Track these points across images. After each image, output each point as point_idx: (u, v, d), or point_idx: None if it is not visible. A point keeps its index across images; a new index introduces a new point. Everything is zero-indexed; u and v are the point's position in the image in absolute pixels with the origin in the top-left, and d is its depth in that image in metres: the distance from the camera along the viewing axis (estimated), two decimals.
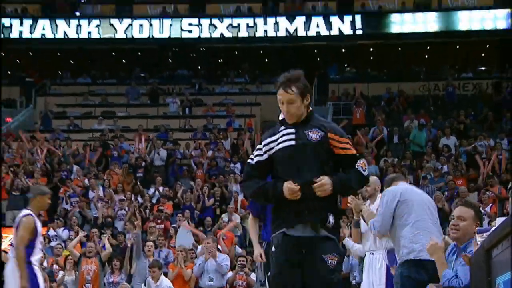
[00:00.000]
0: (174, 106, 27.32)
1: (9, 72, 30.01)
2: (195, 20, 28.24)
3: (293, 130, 4.93)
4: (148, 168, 22.71)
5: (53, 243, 18.15)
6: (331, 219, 4.91)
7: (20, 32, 27.48)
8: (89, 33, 27.72)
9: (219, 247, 15.17)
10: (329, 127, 5.07)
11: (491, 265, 3.75)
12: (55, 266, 16.31)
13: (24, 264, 8.81)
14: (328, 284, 4.77)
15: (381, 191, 9.28)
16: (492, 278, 3.54)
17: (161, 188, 20.88)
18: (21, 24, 27.58)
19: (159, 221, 18.53)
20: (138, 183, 21.53)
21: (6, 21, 27.37)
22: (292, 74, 5.03)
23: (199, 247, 15.73)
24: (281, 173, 4.94)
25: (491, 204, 16.52)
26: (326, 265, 4.71)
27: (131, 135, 24.54)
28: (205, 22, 28.18)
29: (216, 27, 27.88)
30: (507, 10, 26.67)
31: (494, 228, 4.84)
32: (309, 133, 4.90)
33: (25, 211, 9.37)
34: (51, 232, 18.84)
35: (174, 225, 18.27)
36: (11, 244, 9.52)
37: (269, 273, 5.43)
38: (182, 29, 28.11)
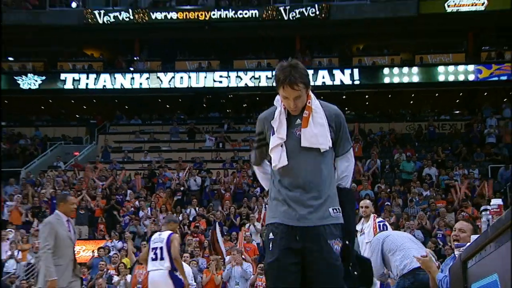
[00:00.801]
0: (210, 142, 27.41)
1: (77, 116, 30.50)
2: (224, 73, 28.41)
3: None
4: (186, 192, 22.69)
5: (111, 253, 18.20)
6: (331, 211, 3.96)
7: (87, 84, 27.78)
8: (140, 84, 28.00)
9: (243, 256, 15.26)
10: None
11: (467, 274, 3.71)
12: (112, 272, 16.48)
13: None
14: (336, 271, 3.85)
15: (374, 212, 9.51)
16: (468, 285, 3.49)
17: (196, 209, 20.89)
18: (87, 78, 27.89)
19: (195, 235, 18.51)
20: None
21: (76, 76, 27.86)
22: (294, 66, 3.96)
23: (227, 257, 15.81)
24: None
25: None
26: (332, 252, 3.85)
27: (173, 165, 24.69)
28: (233, 74, 28.35)
29: (241, 79, 28.03)
30: (475, 66, 26.93)
31: (469, 243, 4.80)
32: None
33: (168, 232, 9.96)
34: (109, 244, 18.90)
35: (208, 239, 18.29)
36: (158, 259, 9.80)
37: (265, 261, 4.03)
38: (214, 80, 28.28)
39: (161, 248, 9.61)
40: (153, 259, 9.73)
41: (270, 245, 3.95)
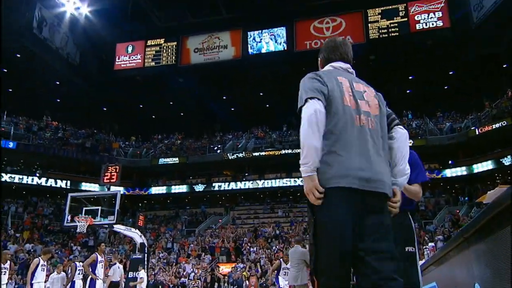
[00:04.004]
0: (281, 213, 27.16)
1: (220, 202, 30.55)
2: (288, 179, 28.15)
3: None
4: (272, 237, 22.36)
5: (238, 269, 18.00)
6: None
7: (224, 187, 28.15)
8: (249, 186, 28.11)
9: None
10: None
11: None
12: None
13: None
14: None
15: None
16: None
17: (277, 246, 20.56)
18: (224, 184, 28.21)
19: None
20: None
21: (219, 184, 28.24)
22: None
23: None
24: None
25: None
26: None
27: (266, 225, 24.38)
28: (292, 180, 28.19)
29: (296, 181, 27.48)
30: None
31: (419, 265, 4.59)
32: None
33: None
34: (238, 265, 18.76)
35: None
36: None
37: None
38: (283, 183, 27.92)
39: None
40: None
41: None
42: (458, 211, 22.19)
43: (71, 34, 24.99)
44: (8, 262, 8.05)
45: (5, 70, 23.71)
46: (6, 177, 22.68)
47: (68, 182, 24.96)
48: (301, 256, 7.42)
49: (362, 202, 1.80)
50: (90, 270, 9.17)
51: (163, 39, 27.75)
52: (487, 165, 22.70)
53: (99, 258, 9.27)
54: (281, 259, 8.49)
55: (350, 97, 1.93)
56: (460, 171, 24.25)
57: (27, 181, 23.52)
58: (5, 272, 7.92)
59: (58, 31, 24.04)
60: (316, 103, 1.84)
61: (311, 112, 1.82)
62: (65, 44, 24.82)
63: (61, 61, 24.50)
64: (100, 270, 9.25)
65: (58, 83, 25.86)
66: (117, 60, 27.80)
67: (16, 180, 23.16)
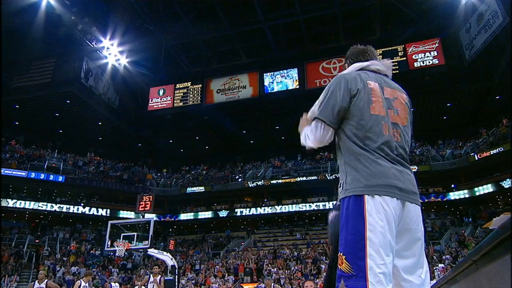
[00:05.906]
0: (298, 236, 26.73)
1: (242, 227, 30.27)
2: (304, 205, 27.83)
3: None
4: (290, 258, 21.92)
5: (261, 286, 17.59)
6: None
7: (245, 213, 27.89)
8: (268, 211, 27.82)
9: None
10: None
11: None
12: None
13: None
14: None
15: None
16: None
17: (296, 267, 20.16)
18: (245, 210, 27.97)
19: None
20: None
21: (241, 209, 28.01)
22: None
23: None
24: None
25: None
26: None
27: (284, 247, 23.88)
28: (307, 205, 27.75)
29: (311, 206, 27.34)
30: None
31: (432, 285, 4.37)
32: None
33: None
34: (260, 286, 18.34)
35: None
36: None
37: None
38: (299, 208, 27.61)
39: None
40: None
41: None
42: (463, 231, 21.47)
43: (112, 81, 26.21)
44: (45, 281, 7.86)
45: (57, 114, 24.88)
46: (56, 207, 23.32)
47: (108, 210, 25.37)
48: None
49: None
50: None
51: (190, 82, 28.69)
52: (488, 188, 22.15)
53: (151, 279, 9.51)
54: None
55: (380, 104, 1.64)
56: (463, 194, 23.68)
57: (73, 210, 24.05)
58: None
59: (101, 79, 25.28)
60: (323, 131, 1.74)
61: (316, 140, 1.80)
62: (107, 90, 25.99)
63: (103, 105, 25.59)
64: None
65: (100, 123, 26.90)
66: (150, 102, 28.79)
67: (64, 210, 23.73)
